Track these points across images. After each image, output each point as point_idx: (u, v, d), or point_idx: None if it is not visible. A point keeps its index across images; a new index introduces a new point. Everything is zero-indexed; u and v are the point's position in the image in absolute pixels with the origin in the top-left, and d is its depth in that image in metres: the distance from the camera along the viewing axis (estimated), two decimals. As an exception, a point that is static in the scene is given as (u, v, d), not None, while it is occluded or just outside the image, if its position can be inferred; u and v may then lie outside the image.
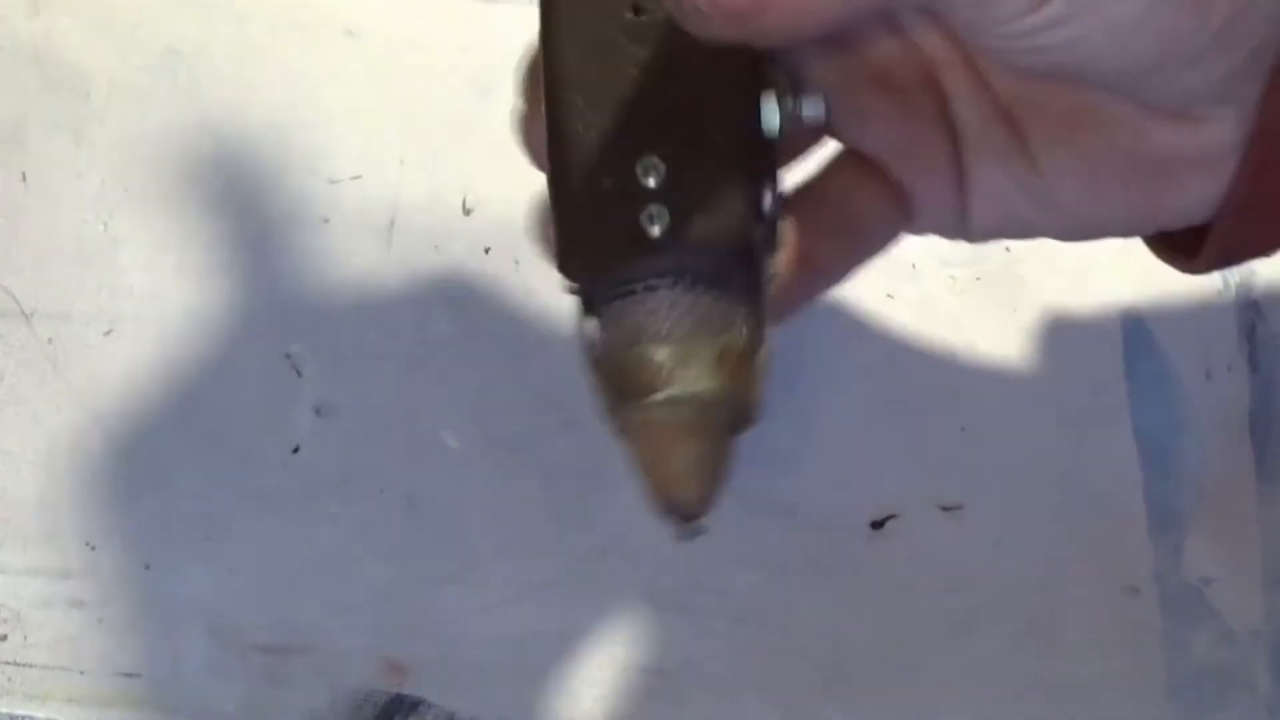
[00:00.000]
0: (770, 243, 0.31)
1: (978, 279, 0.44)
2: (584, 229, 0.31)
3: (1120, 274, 0.44)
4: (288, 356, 0.43)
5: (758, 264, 0.31)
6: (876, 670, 0.40)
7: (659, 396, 0.31)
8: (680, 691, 0.39)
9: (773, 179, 0.31)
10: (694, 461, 0.32)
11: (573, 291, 0.31)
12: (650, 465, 0.32)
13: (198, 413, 0.42)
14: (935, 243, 0.45)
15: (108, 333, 0.43)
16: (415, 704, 0.39)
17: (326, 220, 0.45)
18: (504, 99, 0.46)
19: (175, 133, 0.46)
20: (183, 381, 0.43)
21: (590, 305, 0.31)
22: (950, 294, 0.44)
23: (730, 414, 0.32)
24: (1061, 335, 0.44)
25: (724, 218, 0.30)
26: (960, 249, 0.45)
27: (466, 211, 0.45)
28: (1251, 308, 0.44)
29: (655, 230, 0.30)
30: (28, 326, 0.43)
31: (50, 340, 0.43)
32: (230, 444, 0.42)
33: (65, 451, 0.42)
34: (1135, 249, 0.45)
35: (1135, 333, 0.44)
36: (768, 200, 0.30)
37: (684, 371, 0.31)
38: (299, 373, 0.43)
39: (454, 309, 0.44)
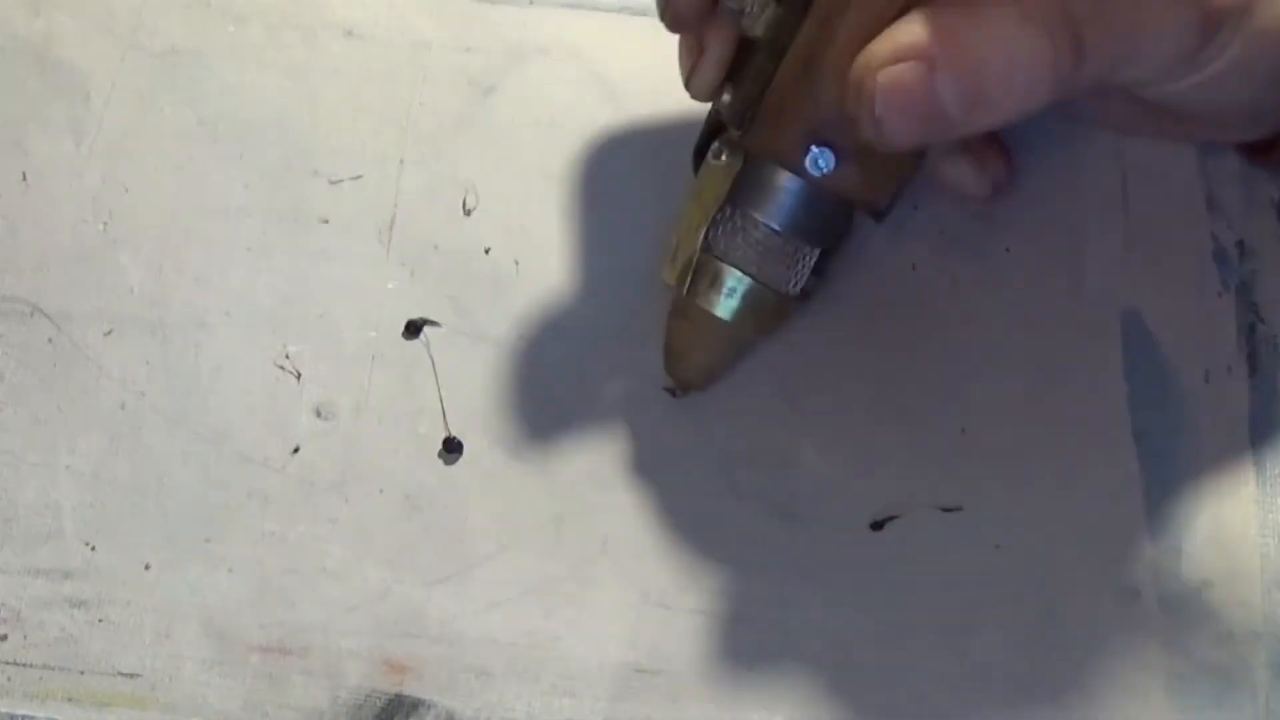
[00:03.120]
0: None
1: (978, 279, 0.44)
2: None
3: (1120, 274, 0.45)
4: (287, 357, 0.43)
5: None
6: (876, 670, 0.40)
7: (711, 309, 0.40)
8: (680, 691, 0.39)
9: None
10: (706, 364, 0.42)
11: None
12: (676, 348, 0.42)
13: (197, 413, 0.42)
14: (935, 244, 0.45)
15: (108, 333, 0.43)
16: (415, 704, 0.39)
17: (326, 220, 0.45)
18: (504, 99, 0.47)
19: (175, 133, 0.46)
20: (183, 382, 0.43)
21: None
22: (950, 294, 0.44)
23: (748, 343, 0.42)
24: (1061, 335, 0.44)
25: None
26: (958, 250, 0.45)
27: (466, 211, 0.45)
28: (1251, 309, 0.44)
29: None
30: (28, 326, 0.43)
31: (50, 340, 0.43)
32: (230, 444, 0.42)
33: (65, 451, 0.42)
34: (1135, 249, 0.45)
35: (1135, 333, 0.44)
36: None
37: (736, 305, 0.40)
38: (299, 373, 0.43)
39: (454, 309, 0.44)
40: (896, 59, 0.34)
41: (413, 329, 0.43)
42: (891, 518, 0.42)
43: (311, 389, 0.43)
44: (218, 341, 0.43)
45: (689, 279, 0.40)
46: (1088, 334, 0.44)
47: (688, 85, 0.40)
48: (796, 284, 0.40)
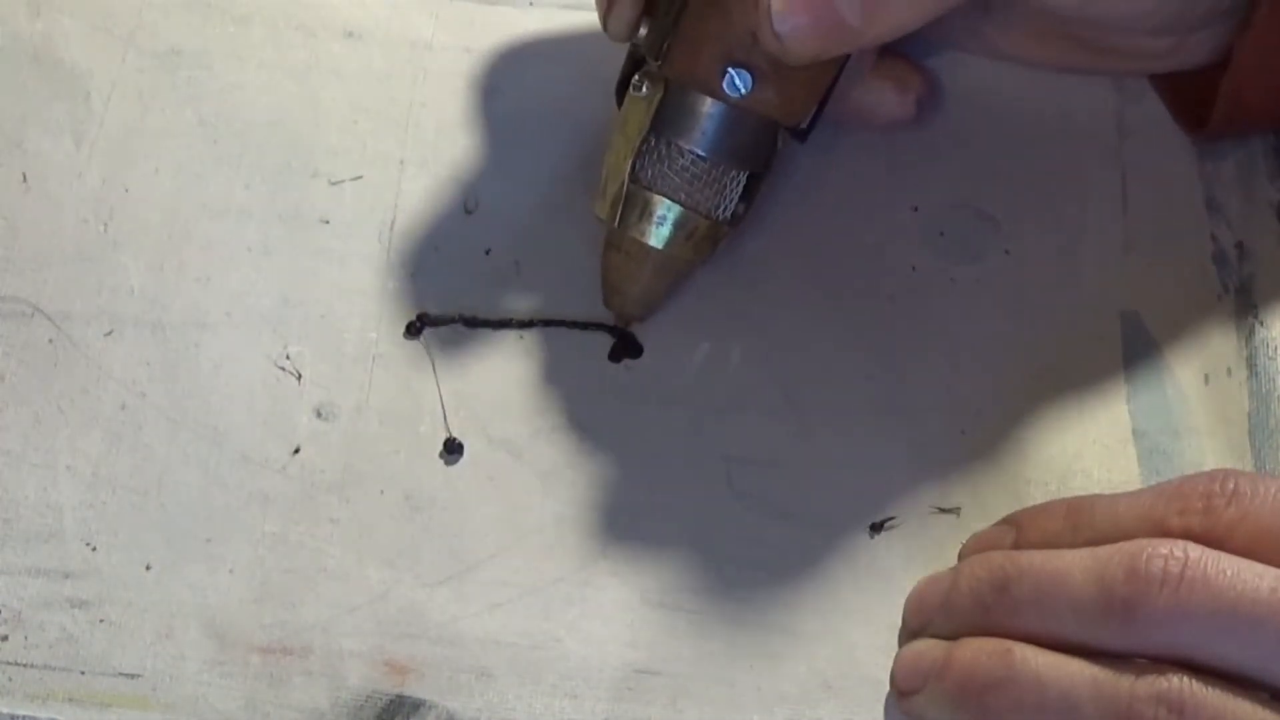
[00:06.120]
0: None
1: (978, 280, 0.44)
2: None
3: (1120, 274, 0.45)
4: (288, 357, 0.43)
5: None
6: (876, 670, 0.40)
7: (643, 239, 0.41)
8: (680, 691, 0.39)
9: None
10: (643, 295, 0.42)
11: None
12: (613, 281, 0.42)
13: (198, 413, 0.42)
14: (935, 244, 0.45)
15: (108, 333, 0.43)
16: (416, 705, 0.39)
17: (326, 221, 0.45)
18: (504, 99, 0.47)
19: (175, 133, 0.46)
20: (183, 382, 0.43)
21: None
22: (950, 295, 0.44)
23: (684, 267, 0.42)
24: (1061, 336, 0.44)
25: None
26: (958, 250, 0.45)
27: (467, 211, 0.45)
28: (1250, 312, 0.44)
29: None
30: (28, 326, 0.43)
31: (50, 340, 0.43)
32: (230, 444, 0.42)
33: (65, 451, 0.42)
34: (1135, 250, 0.45)
35: (1135, 335, 0.44)
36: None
37: (668, 233, 0.41)
38: (299, 374, 0.43)
39: (454, 308, 0.44)
40: None
41: (413, 329, 0.43)
42: (891, 519, 0.42)
43: (312, 389, 0.43)
44: (218, 342, 0.43)
45: (619, 211, 0.41)
46: (1088, 334, 0.44)
47: (605, 25, 0.41)
48: (726, 208, 0.41)
